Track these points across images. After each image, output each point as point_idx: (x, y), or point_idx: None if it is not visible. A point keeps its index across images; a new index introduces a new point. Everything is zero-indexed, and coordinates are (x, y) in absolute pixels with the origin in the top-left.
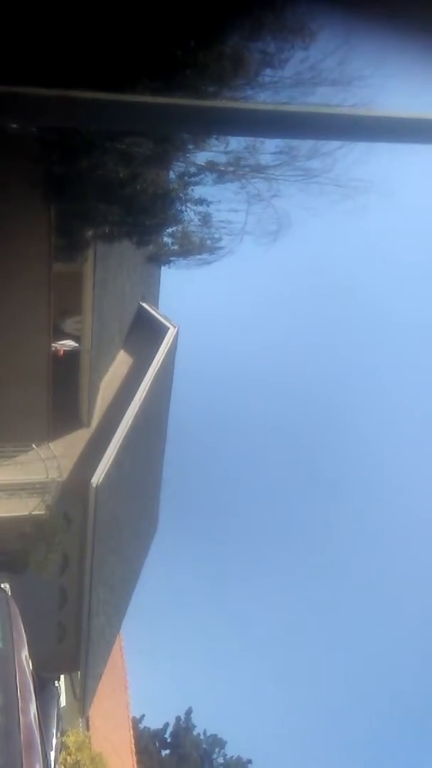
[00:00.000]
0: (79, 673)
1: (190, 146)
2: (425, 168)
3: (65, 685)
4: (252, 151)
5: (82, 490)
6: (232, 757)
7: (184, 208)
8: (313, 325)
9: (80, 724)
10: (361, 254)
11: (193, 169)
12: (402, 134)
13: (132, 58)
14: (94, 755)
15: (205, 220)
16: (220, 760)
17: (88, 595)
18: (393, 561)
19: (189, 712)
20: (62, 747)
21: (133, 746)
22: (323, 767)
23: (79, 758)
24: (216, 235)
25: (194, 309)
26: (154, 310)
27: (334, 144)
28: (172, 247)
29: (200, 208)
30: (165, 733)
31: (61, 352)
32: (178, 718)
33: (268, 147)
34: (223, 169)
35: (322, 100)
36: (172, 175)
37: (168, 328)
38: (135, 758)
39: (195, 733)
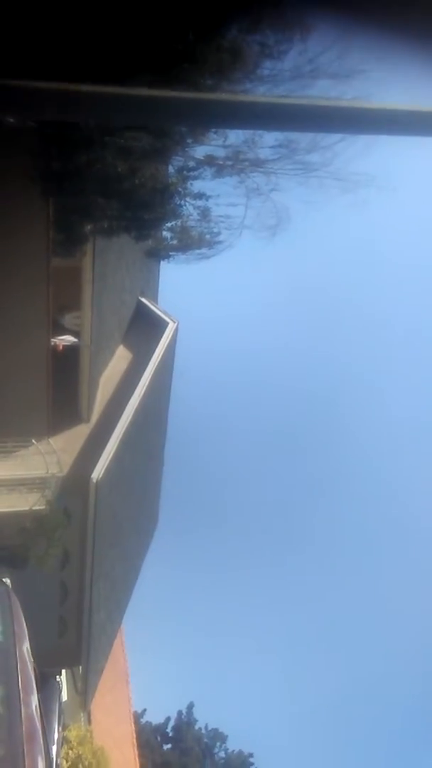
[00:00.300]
0: (80, 667)
1: (189, 140)
2: (426, 162)
3: (66, 679)
4: (251, 144)
5: (82, 486)
6: (234, 751)
7: (183, 202)
8: (312, 321)
9: (82, 719)
10: (361, 249)
11: (191, 164)
12: (402, 126)
13: (130, 51)
14: (96, 749)
15: (204, 214)
16: (222, 754)
17: (89, 589)
18: (397, 550)
19: (190, 707)
20: (64, 741)
21: (134, 740)
22: (323, 760)
23: (81, 752)
24: (215, 230)
25: (194, 304)
26: (153, 305)
27: (333, 137)
28: (171, 242)
29: (199, 203)
30: (167, 728)
31: (61, 348)
32: (179, 713)
33: (267, 141)
34: (221, 163)
35: (321, 93)
36: (170, 169)
37: (167, 323)
38: (137, 752)
39: (196, 727)
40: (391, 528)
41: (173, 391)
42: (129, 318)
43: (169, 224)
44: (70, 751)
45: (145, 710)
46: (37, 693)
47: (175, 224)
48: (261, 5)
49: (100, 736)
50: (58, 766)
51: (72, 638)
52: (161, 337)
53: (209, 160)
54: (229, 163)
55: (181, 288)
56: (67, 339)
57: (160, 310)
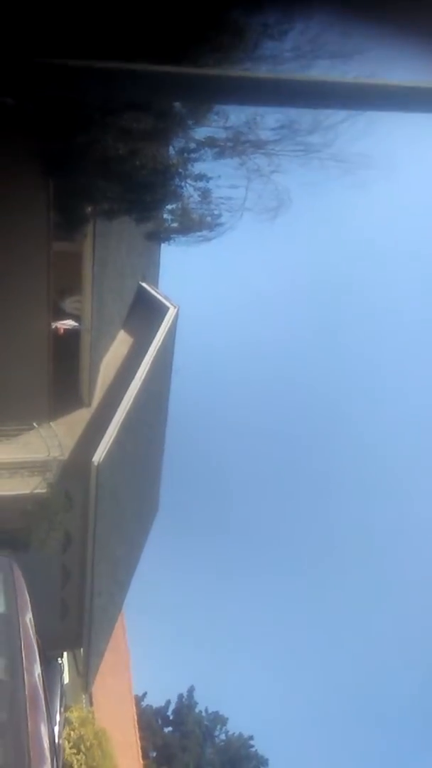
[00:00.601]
0: (81, 650)
1: (190, 121)
2: (427, 141)
3: (68, 662)
4: (252, 126)
5: (83, 469)
6: (234, 733)
7: (183, 184)
8: (314, 305)
9: (83, 701)
10: (362, 231)
11: (192, 145)
12: (402, 102)
13: (134, 29)
14: (98, 730)
15: (205, 196)
16: (222, 736)
17: (91, 572)
18: (406, 537)
19: (191, 690)
20: (66, 723)
21: (135, 723)
22: (323, 744)
23: (82, 733)
24: (216, 212)
25: (194, 290)
26: (154, 290)
27: (335, 118)
28: (171, 224)
29: (200, 184)
30: (167, 711)
31: (62, 331)
32: (180, 696)
33: (269, 122)
34: (222, 144)
35: (322, 72)
36: (171, 150)
37: (168, 308)
38: (138, 734)
39: (197, 710)
40: (397, 517)
41: (174, 377)
42: (130, 303)
43: (169, 206)
44: (72, 732)
45: (145, 693)
46: (40, 663)
47: (176, 206)
48: None
49: (101, 718)
50: (60, 746)
51: (73, 621)
52: (162, 321)
53: (210, 142)
54: (230, 144)
55: (181, 273)
56: (68, 323)
57: (161, 295)
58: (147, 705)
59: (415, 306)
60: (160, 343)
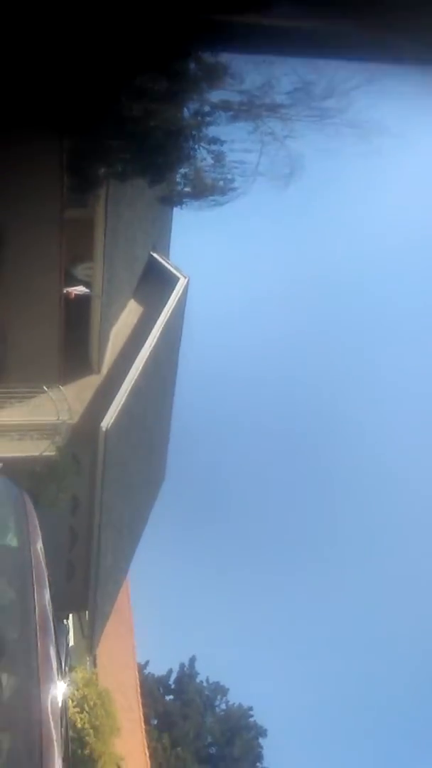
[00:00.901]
0: (87, 612)
1: (204, 84)
2: None
3: (73, 625)
4: (267, 89)
5: (91, 434)
6: (234, 704)
7: (197, 146)
8: (327, 276)
9: (87, 662)
10: (377, 200)
11: (206, 108)
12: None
13: None
14: (101, 691)
15: (218, 159)
16: (222, 706)
17: (97, 536)
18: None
19: (193, 660)
20: (70, 682)
21: (138, 687)
22: (323, 714)
23: (86, 693)
24: (228, 176)
25: (205, 261)
26: (164, 260)
27: (350, 83)
28: (184, 188)
29: (213, 147)
30: (169, 680)
31: (72, 296)
32: (182, 665)
33: (283, 85)
34: (237, 108)
35: None
36: (185, 113)
37: (178, 279)
38: (140, 699)
39: (198, 680)
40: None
41: (183, 348)
42: (140, 272)
43: (182, 170)
44: (76, 692)
45: (148, 662)
46: (49, 587)
47: (189, 170)
48: None
49: (104, 681)
50: (66, 704)
51: (79, 583)
52: (172, 291)
53: (224, 105)
54: (245, 107)
55: (192, 245)
56: (79, 289)
57: (172, 265)
58: (149, 673)
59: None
60: (169, 313)
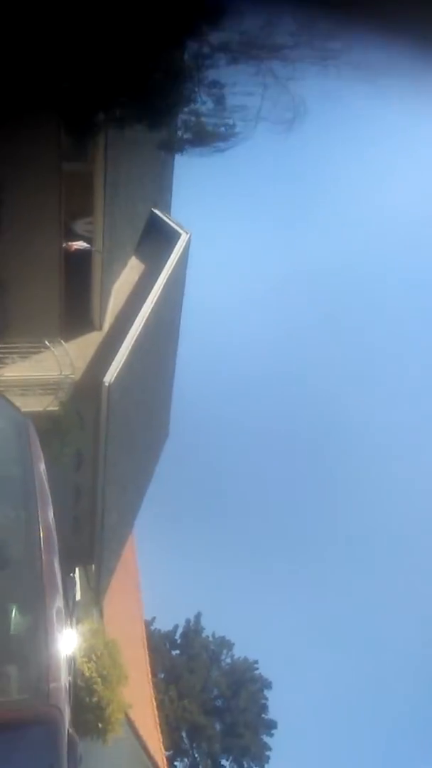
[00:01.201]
0: (93, 566)
1: (203, 24)
2: None
3: (80, 580)
4: (268, 30)
5: (94, 390)
6: (239, 657)
7: (197, 89)
8: (332, 234)
9: (94, 615)
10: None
11: (206, 50)
12: None
13: None
14: (108, 641)
15: (219, 103)
16: (228, 660)
17: (102, 491)
18: None
19: (198, 616)
20: (77, 634)
21: (145, 639)
22: (327, 670)
23: (93, 643)
24: (230, 121)
25: (207, 219)
26: (166, 216)
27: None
28: (185, 135)
29: (214, 90)
30: (175, 635)
31: (72, 248)
32: (187, 621)
33: (284, 26)
34: (237, 49)
35: None
36: (185, 55)
37: (180, 234)
38: (147, 652)
39: (204, 635)
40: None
41: (186, 306)
42: (141, 229)
43: (182, 116)
44: (84, 643)
45: (154, 618)
46: (51, 505)
47: (189, 117)
48: None
49: (111, 634)
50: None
51: (85, 537)
52: (174, 248)
53: (224, 46)
54: (245, 49)
55: (194, 201)
56: (80, 244)
57: (173, 222)
58: (155, 629)
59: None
60: (171, 270)
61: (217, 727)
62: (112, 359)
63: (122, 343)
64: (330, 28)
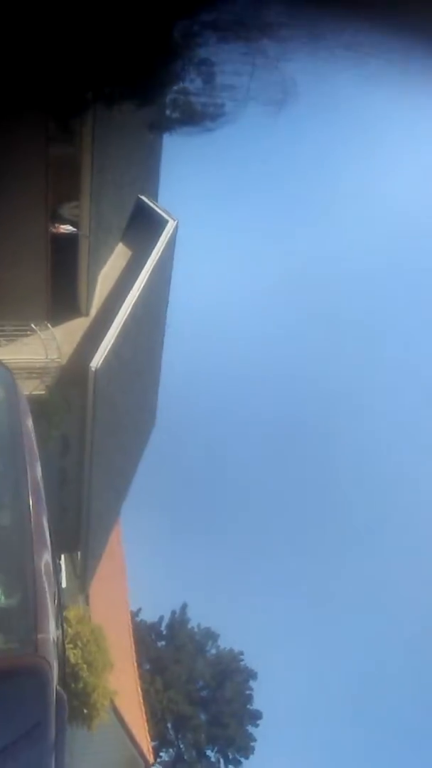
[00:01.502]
0: (79, 553)
1: (193, 1)
2: None
3: (66, 567)
4: (258, 9)
5: (81, 375)
6: (225, 649)
7: (186, 67)
8: (322, 218)
9: (80, 601)
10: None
11: (196, 27)
12: None
13: None
14: (94, 627)
15: (208, 82)
16: (213, 651)
17: (88, 477)
18: None
19: (184, 607)
20: (63, 621)
21: (130, 626)
22: (312, 661)
23: (79, 630)
24: (219, 101)
25: (194, 208)
26: (153, 203)
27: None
28: (173, 114)
29: (203, 69)
30: (161, 626)
31: (59, 230)
32: (173, 612)
33: (276, 5)
34: (227, 28)
35: None
36: (174, 32)
37: (167, 222)
38: (133, 640)
39: (189, 626)
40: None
41: (173, 294)
42: (128, 215)
43: (172, 96)
44: (69, 629)
45: (140, 609)
46: (39, 461)
47: (178, 96)
48: None
49: (97, 620)
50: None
51: (71, 523)
52: (161, 235)
53: (214, 24)
54: (235, 27)
55: (182, 189)
56: (67, 227)
57: (160, 209)
58: (141, 620)
59: None
60: (158, 257)
61: (203, 717)
62: (99, 345)
63: (109, 328)
64: (321, 7)
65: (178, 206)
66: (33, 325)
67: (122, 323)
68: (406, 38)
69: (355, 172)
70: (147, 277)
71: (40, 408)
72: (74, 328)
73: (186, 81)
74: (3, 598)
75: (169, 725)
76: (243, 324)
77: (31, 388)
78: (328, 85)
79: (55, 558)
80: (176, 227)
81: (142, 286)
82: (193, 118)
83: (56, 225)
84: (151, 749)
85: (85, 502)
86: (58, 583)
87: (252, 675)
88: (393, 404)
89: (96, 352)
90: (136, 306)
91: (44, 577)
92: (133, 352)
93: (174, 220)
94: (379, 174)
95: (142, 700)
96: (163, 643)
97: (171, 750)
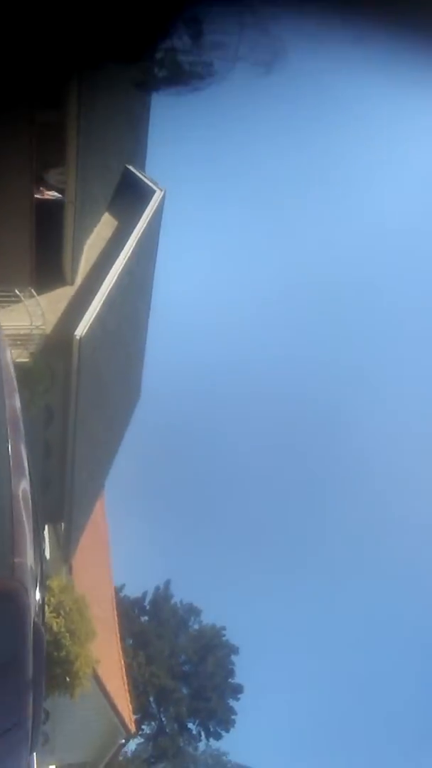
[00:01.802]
0: (62, 524)
1: None
2: None
3: (49, 537)
4: None
5: (65, 344)
6: (207, 624)
7: (173, 23)
8: (311, 190)
9: (64, 571)
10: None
11: None
12: None
13: None
14: (77, 597)
15: (196, 39)
16: (196, 626)
17: (72, 448)
18: None
19: (167, 583)
20: (47, 590)
21: (114, 598)
22: (293, 636)
23: (62, 599)
24: (207, 60)
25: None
26: (140, 173)
27: None
28: (161, 73)
29: (191, 25)
30: (144, 602)
31: (44, 194)
32: (156, 588)
33: None
34: None
35: None
36: None
37: (154, 191)
38: (116, 611)
39: (172, 602)
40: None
41: (160, 265)
42: (115, 184)
43: (159, 54)
44: (52, 599)
45: (123, 585)
46: (24, 437)
47: (166, 54)
48: None
49: (80, 590)
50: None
51: (54, 494)
52: (148, 204)
53: None
54: None
55: (169, 155)
56: (52, 194)
57: (147, 178)
58: (124, 596)
59: None
60: (145, 226)
61: (185, 691)
62: (84, 313)
63: (94, 298)
64: None
65: (166, 177)
66: (17, 291)
67: (107, 292)
68: (406, 14)
69: (349, 140)
70: (133, 246)
71: (24, 376)
72: (59, 297)
73: (174, 38)
74: None
75: (151, 699)
76: (232, 297)
77: (14, 356)
78: (319, 49)
79: (35, 487)
80: (163, 197)
81: (128, 255)
82: (180, 77)
83: (41, 189)
84: (132, 720)
85: (68, 473)
86: (38, 513)
87: (234, 650)
88: (382, 390)
89: (81, 320)
90: (121, 276)
91: (21, 503)
92: (118, 324)
93: (161, 190)
94: (367, 142)
95: (124, 671)
96: (147, 618)
97: (153, 723)
